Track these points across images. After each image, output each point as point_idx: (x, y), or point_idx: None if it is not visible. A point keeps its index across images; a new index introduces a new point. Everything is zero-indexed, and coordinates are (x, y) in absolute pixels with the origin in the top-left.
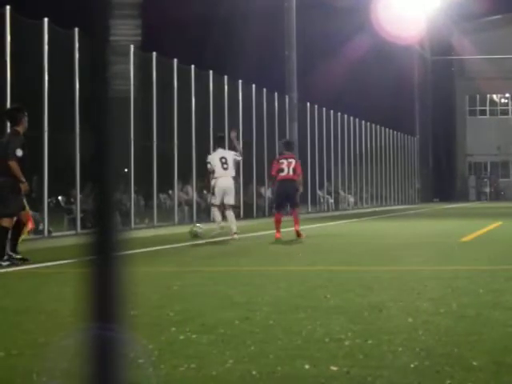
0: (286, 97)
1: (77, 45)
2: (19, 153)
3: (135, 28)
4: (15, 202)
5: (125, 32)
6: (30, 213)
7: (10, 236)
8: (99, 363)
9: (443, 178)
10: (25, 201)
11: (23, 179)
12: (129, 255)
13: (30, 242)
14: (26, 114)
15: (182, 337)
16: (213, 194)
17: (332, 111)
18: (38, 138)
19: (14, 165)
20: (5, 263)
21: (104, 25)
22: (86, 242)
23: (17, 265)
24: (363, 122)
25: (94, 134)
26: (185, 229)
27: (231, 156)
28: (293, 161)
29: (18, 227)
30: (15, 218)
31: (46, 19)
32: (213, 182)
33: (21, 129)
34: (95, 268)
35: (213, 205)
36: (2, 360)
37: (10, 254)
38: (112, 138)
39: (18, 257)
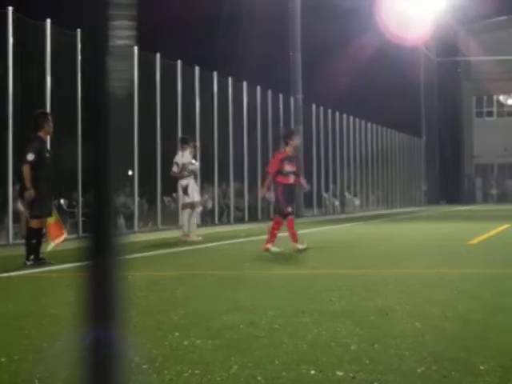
0: (291, 98)
1: (79, 46)
2: (30, 157)
3: (135, 29)
4: (42, 205)
5: (126, 33)
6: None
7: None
8: (98, 369)
9: (450, 180)
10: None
11: (29, 185)
12: (132, 259)
13: None
14: (50, 119)
15: (186, 342)
16: None
17: (337, 113)
18: None
19: (25, 169)
20: (29, 263)
21: (104, 25)
22: (84, 245)
23: (41, 265)
24: (369, 123)
25: (93, 136)
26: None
27: None
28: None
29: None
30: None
31: (48, 20)
32: None
33: (42, 134)
34: (93, 272)
35: None
36: (4, 365)
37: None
38: (112, 142)
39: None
